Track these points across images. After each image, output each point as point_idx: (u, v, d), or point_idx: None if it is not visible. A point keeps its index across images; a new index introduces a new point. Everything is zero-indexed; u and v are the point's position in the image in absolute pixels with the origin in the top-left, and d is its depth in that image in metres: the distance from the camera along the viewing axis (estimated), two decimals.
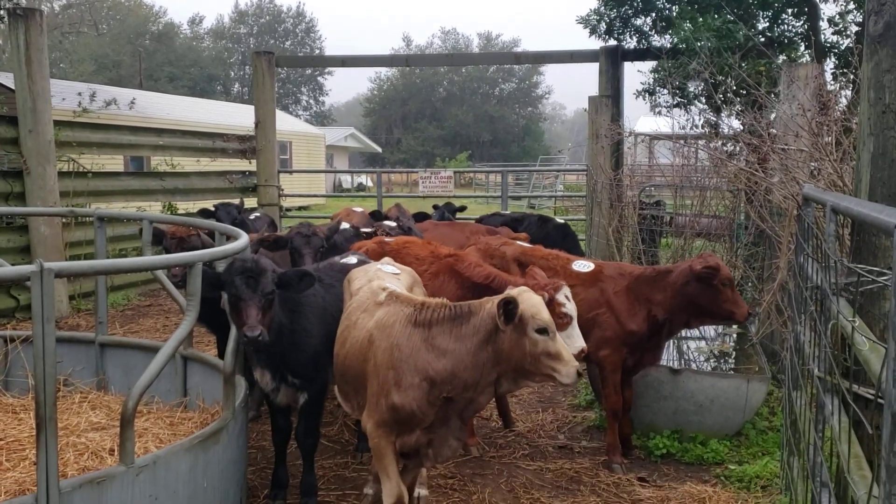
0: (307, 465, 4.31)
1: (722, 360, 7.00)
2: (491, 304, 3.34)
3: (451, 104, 62.35)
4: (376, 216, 7.51)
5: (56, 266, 2.85)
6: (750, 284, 7.83)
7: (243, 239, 4.19)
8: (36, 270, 2.78)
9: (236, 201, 8.98)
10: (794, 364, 4.10)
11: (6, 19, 8.74)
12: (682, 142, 8.34)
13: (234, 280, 3.76)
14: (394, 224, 6.42)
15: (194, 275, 3.55)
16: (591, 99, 10.34)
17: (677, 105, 11.72)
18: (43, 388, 2.86)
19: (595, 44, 12.77)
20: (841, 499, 2.87)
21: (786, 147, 5.41)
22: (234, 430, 3.88)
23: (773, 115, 6.46)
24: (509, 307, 3.23)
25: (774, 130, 5.65)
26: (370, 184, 39.56)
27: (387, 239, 5.52)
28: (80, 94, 11.56)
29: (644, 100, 12.83)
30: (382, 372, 3.43)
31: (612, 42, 12.57)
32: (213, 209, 8.30)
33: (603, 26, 12.65)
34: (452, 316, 3.40)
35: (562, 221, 9.03)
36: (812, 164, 5.68)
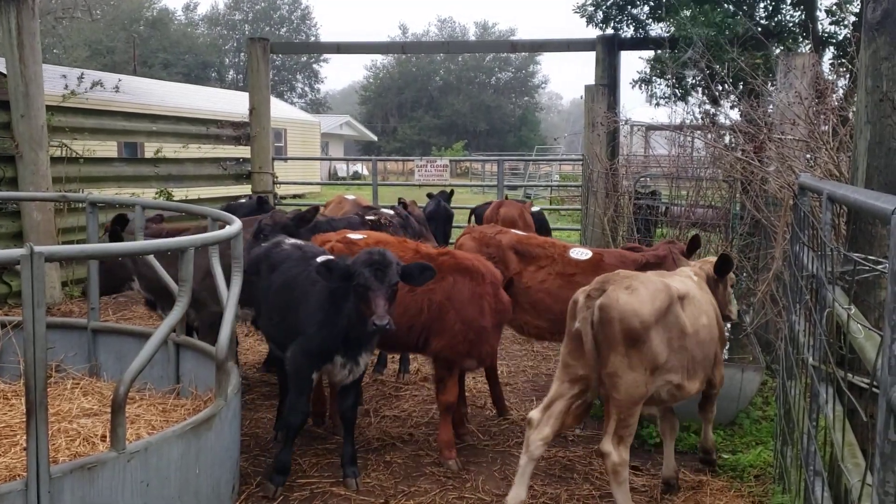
0: (350, 436, 4.45)
1: None
2: (709, 265, 4.45)
3: (447, 93, 62.19)
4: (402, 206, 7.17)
5: (46, 250, 2.82)
6: (745, 274, 7.83)
7: (236, 225, 4.16)
8: (26, 254, 2.75)
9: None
10: (788, 353, 4.10)
11: None
12: (678, 132, 8.30)
13: (365, 271, 3.93)
14: (392, 213, 6.39)
15: (186, 260, 3.52)
16: (587, 88, 10.31)
17: (676, 98, 11.70)
18: (33, 373, 2.83)
19: (592, 33, 12.74)
20: (834, 487, 2.86)
21: (782, 136, 5.39)
22: (227, 416, 3.87)
23: (770, 108, 6.43)
24: (727, 263, 4.36)
25: (771, 119, 5.62)
26: (365, 172, 39.49)
27: (354, 237, 5.20)
28: (64, 76, 11.44)
29: (640, 89, 12.81)
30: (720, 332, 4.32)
31: (609, 31, 12.53)
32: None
33: (600, 15, 12.59)
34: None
35: (537, 209, 9.11)
36: (807, 154, 5.67)
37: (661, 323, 3.79)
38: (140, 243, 3.92)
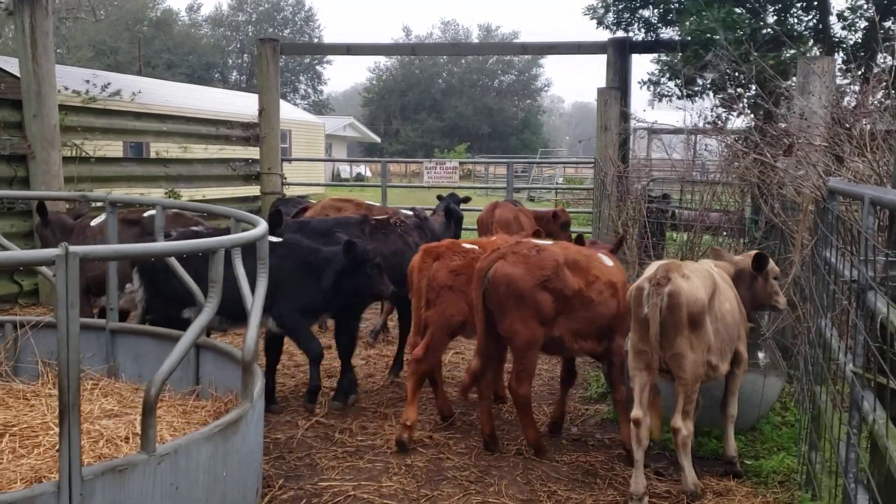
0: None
1: None
2: (748, 259, 4.79)
3: (450, 96, 62.15)
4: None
5: (81, 250, 2.79)
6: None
7: (262, 226, 4.13)
8: (61, 254, 2.72)
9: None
10: (817, 358, 4.06)
11: (12, 2, 8.63)
12: (694, 135, 8.27)
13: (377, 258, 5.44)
14: (410, 213, 6.40)
15: (216, 261, 3.49)
16: (599, 91, 10.28)
17: (687, 96, 11.62)
18: (67, 373, 2.80)
19: (601, 35, 12.68)
20: (883, 495, 2.83)
21: (808, 140, 5.36)
22: (253, 419, 3.84)
23: (794, 111, 6.40)
24: (763, 259, 4.69)
25: (806, 122, 5.59)
26: (369, 174, 39.49)
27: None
28: (87, 81, 11.46)
29: (649, 90, 12.74)
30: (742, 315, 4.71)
31: (620, 33, 12.49)
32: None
33: (610, 17, 12.54)
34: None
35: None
36: (829, 157, 5.63)
37: (709, 307, 4.20)
38: (173, 244, 3.89)
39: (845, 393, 3.21)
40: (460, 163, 15.73)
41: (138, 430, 3.76)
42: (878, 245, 2.78)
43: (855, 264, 2.88)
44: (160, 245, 3.61)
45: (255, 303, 3.98)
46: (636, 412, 4.22)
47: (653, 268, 4.29)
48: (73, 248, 2.74)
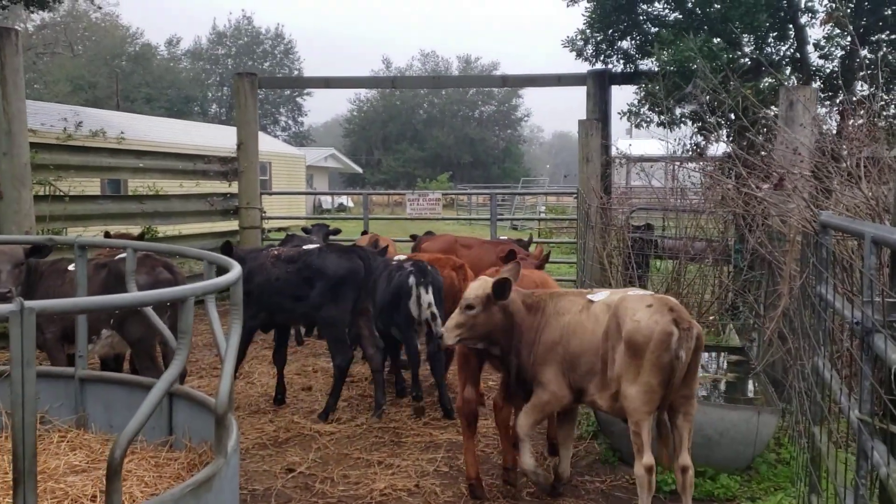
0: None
1: (714, 390, 6.77)
2: None
3: (431, 126, 62.47)
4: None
5: (38, 305, 2.60)
6: (746, 309, 7.69)
7: (236, 270, 3.94)
8: (16, 310, 2.53)
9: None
10: (814, 398, 3.93)
11: None
12: (675, 164, 8.23)
13: None
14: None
15: (186, 310, 3.30)
16: (581, 122, 10.25)
17: (663, 124, 11.61)
18: (22, 438, 2.60)
19: (581, 66, 12.72)
20: None
21: (792, 171, 5.29)
22: (227, 475, 3.62)
23: (778, 141, 6.35)
24: None
25: (797, 155, 5.52)
26: (351, 204, 39.38)
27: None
28: (65, 119, 11.27)
29: (629, 120, 12.72)
30: None
31: (599, 65, 12.51)
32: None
33: (590, 49, 12.56)
34: None
35: None
36: (815, 187, 5.56)
37: None
38: (136, 294, 3.70)
39: (846, 433, 3.07)
40: (443, 193, 15.64)
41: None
42: (879, 284, 2.65)
43: (857, 305, 2.76)
44: (124, 296, 3.42)
45: (228, 350, 3.77)
46: (649, 459, 4.05)
47: (660, 305, 4.08)
48: (28, 304, 2.55)
